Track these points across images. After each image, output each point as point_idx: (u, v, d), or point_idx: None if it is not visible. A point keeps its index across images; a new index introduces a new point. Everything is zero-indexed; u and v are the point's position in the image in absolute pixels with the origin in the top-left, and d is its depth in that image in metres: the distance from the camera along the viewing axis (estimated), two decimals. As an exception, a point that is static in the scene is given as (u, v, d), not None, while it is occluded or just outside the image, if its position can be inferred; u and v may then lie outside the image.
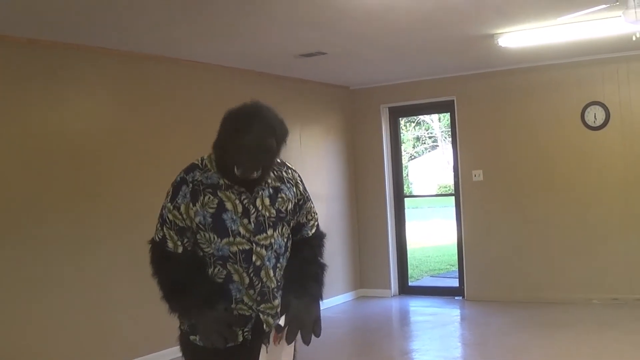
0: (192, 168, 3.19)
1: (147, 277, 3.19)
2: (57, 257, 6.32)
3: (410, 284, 10.90)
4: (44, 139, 6.29)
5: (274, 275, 3.21)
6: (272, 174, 3.26)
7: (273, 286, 3.20)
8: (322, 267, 3.40)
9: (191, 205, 3.10)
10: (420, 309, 9.76)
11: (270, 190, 3.23)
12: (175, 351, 3.43)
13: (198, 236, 3.13)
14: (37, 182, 6.22)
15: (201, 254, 3.14)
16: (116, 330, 6.75)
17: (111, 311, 6.71)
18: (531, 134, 9.28)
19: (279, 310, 3.21)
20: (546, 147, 9.19)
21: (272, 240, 3.20)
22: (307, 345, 3.16)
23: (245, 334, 3.18)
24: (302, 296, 3.20)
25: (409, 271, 11.03)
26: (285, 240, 3.28)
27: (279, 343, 3.13)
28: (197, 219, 3.10)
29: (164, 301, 3.13)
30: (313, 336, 3.14)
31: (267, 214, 3.19)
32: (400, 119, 11.01)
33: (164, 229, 3.13)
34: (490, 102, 9.56)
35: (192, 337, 3.19)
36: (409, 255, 10.95)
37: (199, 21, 6.08)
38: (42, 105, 6.31)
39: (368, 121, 10.51)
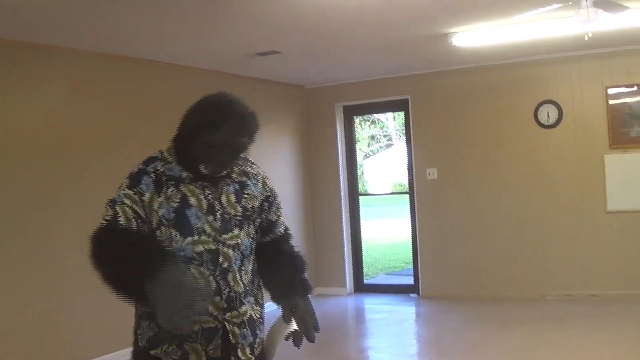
0: (151, 159, 2.90)
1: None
2: (9, 257, 6.19)
3: (365, 282, 10.91)
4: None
5: (241, 279, 2.91)
6: (235, 169, 3.03)
7: (240, 291, 2.90)
8: (304, 260, 3.24)
9: (156, 196, 2.79)
10: (375, 307, 9.78)
11: (236, 185, 2.98)
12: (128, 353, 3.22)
13: (158, 232, 2.79)
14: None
15: None
16: (69, 329, 6.63)
17: (64, 310, 6.60)
18: (485, 133, 9.36)
19: (245, 319, 2.92)
20: (500, 145, 9.27)
21: (239, 241, 2.92)
22: (314, 342, 3.06)
23: (210, 351, 2.84)
24: (304, 295, 3.10)
25: (365, 269, 11.05)
26: (250, 241, 3.02)
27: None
28: (160, 212, 2.78)
29: (109, 284, 2.68)
30: None
31: (233, 211, 2.92)
32: (355, 117, 11.03)
33: (116, 207, 2.77)
34: (444, 101, 9.61)
35: (152, 352, 2.84)
36: (364, 254, 10.96)
37: (154, 20, 6.01)
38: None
39: (323, 120, 10.51)
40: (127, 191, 2.79)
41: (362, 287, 10.65)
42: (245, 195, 2.99)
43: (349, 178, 10.61)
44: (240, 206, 2.96)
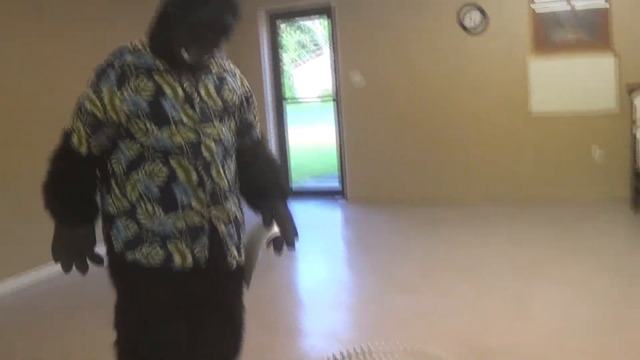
0: (120, 50, 2.71)
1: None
2: None
3: (293, 186, 11.00)
4: None
5: (224, 175, 2.81)
6: (214, 63, 2.87)
7: (224, 186, 2.81)
8: (280, 165, 3.22)
9: (116, 90, 2.61)
10: (302, 211, 9.86)
11: (215, 78, 2.83)
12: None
13: (131, 128, 2.64)
14: None
15: (136, 148, 2.68)
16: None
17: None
18: (410, 40, 9.34)
19: (230, 216, 2.88)
20: (424, 50, 9.29)
21: (221, 135, 2.79)
22: (294, 249, 3.10)
23: (197, 252, 2.78)
24: (284, 198, 3.10)
25: (292, 175, 11.11)
26: (232, 137, 2.90)
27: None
28: (125, 108, 2.60)
29: (43, 192, 2.74)
30: None
31: (212, 103, 2.77)
32: (280, 23, 10.87)
33: (77, 119, 2.68)
34: (369, 8, 9.52)
35: (130, 257, 2.74)
36: (291, 160, 11.00)
37: None
38: None
39: (246, 25, 10.29)
40: (89, 92, 2.65)
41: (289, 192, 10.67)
42: (225, 89, 2.86)
43: (274, 84, 10.55)
44: (220, 99, 2.82)
